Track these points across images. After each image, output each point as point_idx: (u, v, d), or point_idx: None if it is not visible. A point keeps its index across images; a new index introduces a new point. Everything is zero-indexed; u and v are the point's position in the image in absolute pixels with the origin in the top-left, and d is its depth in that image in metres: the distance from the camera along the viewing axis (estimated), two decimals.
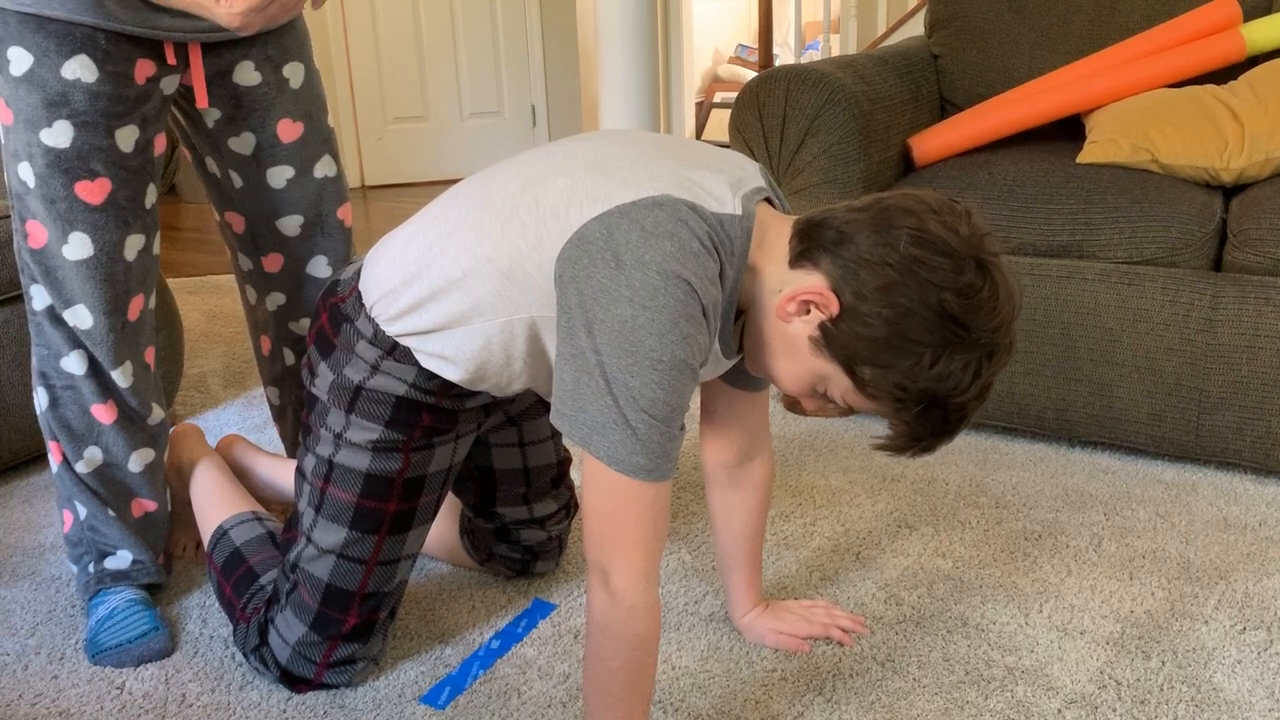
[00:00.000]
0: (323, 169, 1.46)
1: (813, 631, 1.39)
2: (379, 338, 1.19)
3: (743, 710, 1.27)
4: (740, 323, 1.12)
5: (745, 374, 1.26)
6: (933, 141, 2.11)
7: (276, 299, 1.54)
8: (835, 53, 4.40)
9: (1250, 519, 1.67)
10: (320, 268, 1.51)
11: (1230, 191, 1.85)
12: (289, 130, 1.42)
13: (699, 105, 5.63)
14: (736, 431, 1.33)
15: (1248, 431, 1.75)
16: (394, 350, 1.19)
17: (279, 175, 1.43)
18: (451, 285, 1.11)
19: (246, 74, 1.37)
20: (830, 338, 1.02)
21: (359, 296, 1.21)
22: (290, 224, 1.47)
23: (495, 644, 1.40)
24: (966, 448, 1.95)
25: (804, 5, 4.05)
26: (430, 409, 1.23)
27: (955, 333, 0.98)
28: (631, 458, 1.00)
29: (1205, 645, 1.36)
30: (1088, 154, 1.92)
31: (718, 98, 5.69)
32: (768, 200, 1.13)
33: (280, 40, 1.39)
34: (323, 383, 1.25)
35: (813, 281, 1.03)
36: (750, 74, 5.60)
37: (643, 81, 3.27)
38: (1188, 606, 1.45)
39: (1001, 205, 1.87)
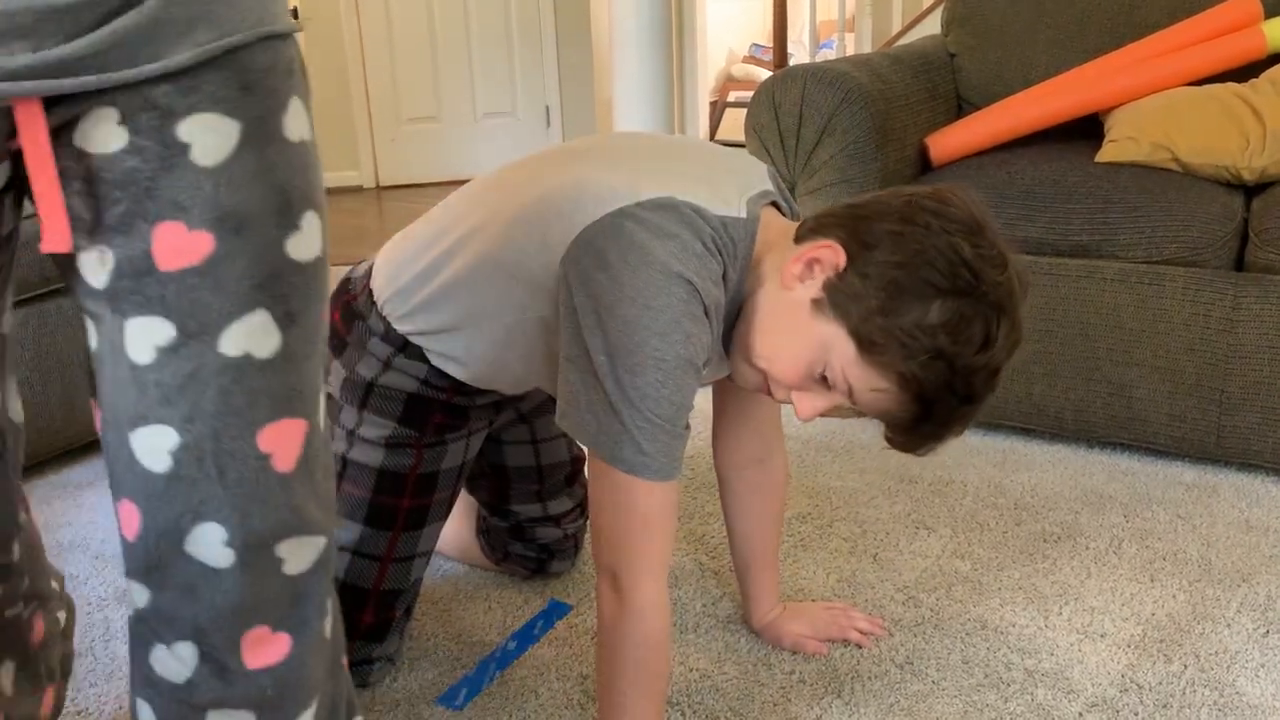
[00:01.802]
0: (240, 342, 0.71)
1: (830, 634, 1.38)
2: (390, 335, 1.19)
3: (760, 712, 1.26)
4: None
5: None
6: (950, 140, 2.10)
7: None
8: (850, 51, 4.38)
9: (1272, 521, 1.66)
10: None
11: (1252, 190, 1.84)
12: (177, 245, 0.69)
13: (713, 105, 5.63)
14: (748, 433, 1.32)
15: (1269, 433, 1.73)
16: (405, 347, 1.19)
17: (143, 338, 0.70)
18: (460, 285, 1.12)
19: (102, 132, 0.67)
20: (835, 294, 1.00)
21: (370, 294, 1.21)
22: (148, 449, 0.71)
23: (512, 645, 1.40)
24: (984, 449, 1.94)
25: (818, 4, 4.04)
26: (442, 405, 1.23)
27: (967, 280, 0.96)
28: (637, 458, 0.99)
29: (1228, 649, 1.35)
30: (1107, 153, 1.91)
31: (732, 97, 5.68)
32: (774, 204, 1.13)
33: (194, 78, 0.67)
34: (335, 380, 1.25)
35: (820, 241, 1.02)
36: (764, 73, 5.59)
37: (657, 81, 3.26)
38: (1210, 609, 1.44)
39: (1020, 205, 1.86)
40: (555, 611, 1.47)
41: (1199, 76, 2.00)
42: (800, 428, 2.04)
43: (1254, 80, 1.94)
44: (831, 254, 1.01)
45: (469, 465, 1.32)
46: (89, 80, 0.64)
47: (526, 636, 1.42)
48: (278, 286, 0.72)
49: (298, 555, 0.76)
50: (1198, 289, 1.73)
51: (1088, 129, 2.07)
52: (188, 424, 0.70)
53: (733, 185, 1.07)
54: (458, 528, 1.57)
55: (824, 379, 1.04)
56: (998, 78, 2.32)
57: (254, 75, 0.70)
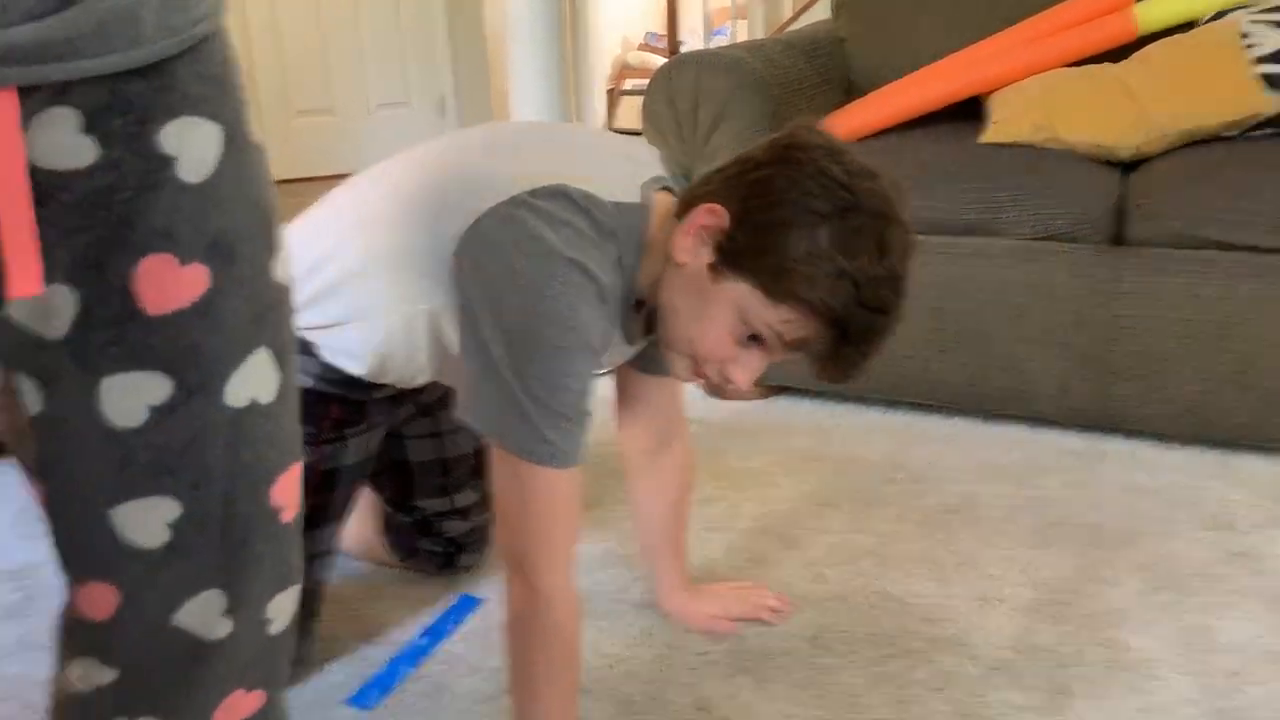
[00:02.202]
0: (245, 389, 0.61)
1: (741, 613, 1.40)
2: None
3: (674, 694, 1.27)
4: (644, 312, 1.12)
5: (655, 359, 1.25)
6: (840, 125, 2.13)
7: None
8: (743, 38, 4.42)
9: (1156, 484, 1.73)
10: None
11: (1129, 167, 1.91)
12: (167, 284, 0.57)
13: (609, 93, 5.62)
14: (651, 417, 1.33)
15: (1151, 400, 1.80)
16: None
17: (128, 397, 0.58)
18: (351, 278, 1.10)
19: (59, 140, 0.54)
20: (726, 252, 1.01)
21: None
22: (138, 525, 0.60)
23: (423, 641, 1.39)
24: (884, 425, 1.99)
25: None
26: (338, 400, 1.21)
27: (844, 198, 0.98)
28: (539, 446, 0.99)
29: (1118, 607, 1.41)
30: (991, 134, 1.96)
31: (628, 85, 5.68)
32: (668, 189, 1.14)
33: (167, 74, 0.56)
34: None
35: (700, 208, 1.03)
36: (660, 60, 5.60)
37: (551, 69, 3.24)
38: (1100, 571, 1.49)
39: (910, 186, 1.89)
40: (466, 605, 1.46)
41: (1076, 58, 2.07)
42: (705, 411, 2.05)
43: (1126, 61, 2.01)
44: (714, 216, 1.02)
45: (370, 462, 1.30)
46: (90, 65, 0.52)
47: (438, 632, 1.40)
48: (272, 316, 0.62)
49: (283, 610, 0.68)
50: (1081, 264, 1.79)
51: (971, 111, 2.12)
52: (193, 491, 0.59)
53: (625, 172, 1.08)
54: (362, 526, 1.55)
55: (752, 339, 1.04)
56: (885, 62, 2.36)
57: (220, 68, 0.58)
